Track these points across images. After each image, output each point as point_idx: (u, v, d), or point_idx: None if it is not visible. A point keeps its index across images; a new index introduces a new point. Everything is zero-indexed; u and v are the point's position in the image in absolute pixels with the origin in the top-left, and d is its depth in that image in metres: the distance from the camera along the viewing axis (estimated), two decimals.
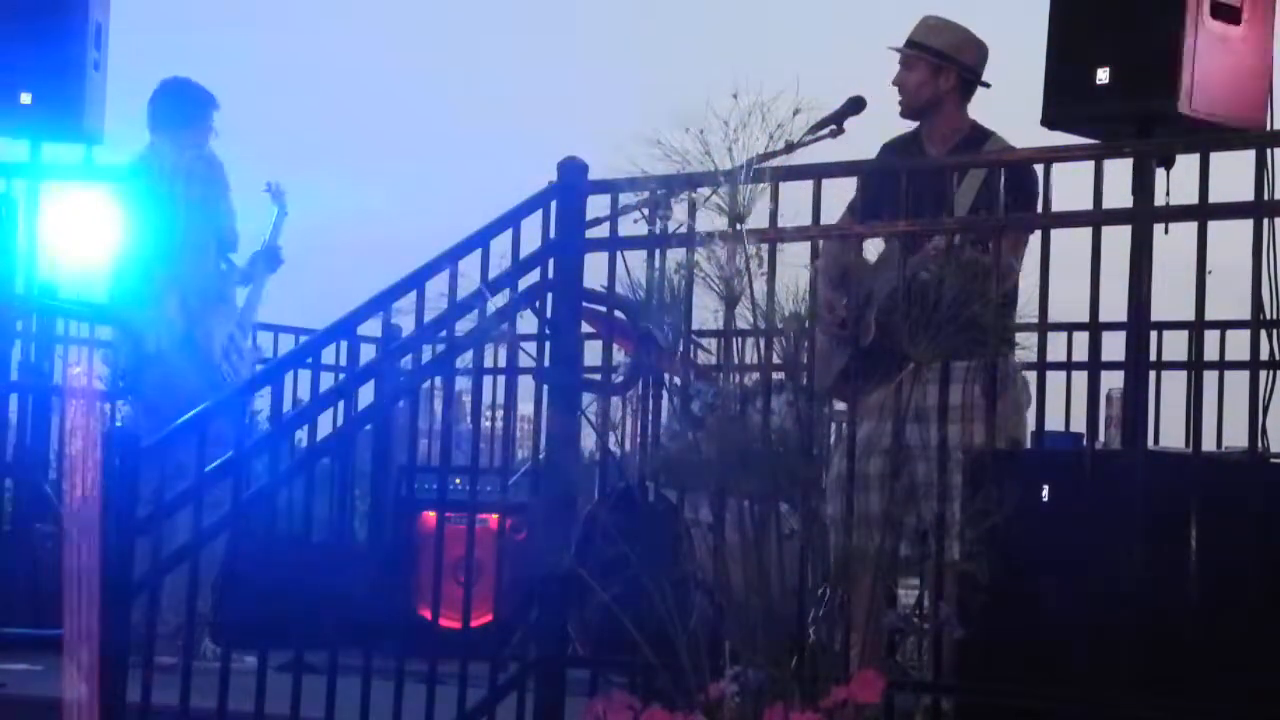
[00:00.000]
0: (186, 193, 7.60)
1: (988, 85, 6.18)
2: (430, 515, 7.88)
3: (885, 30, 6.27)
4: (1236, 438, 7.15)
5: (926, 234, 5.45)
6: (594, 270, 5.66)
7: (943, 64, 6.13)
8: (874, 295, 5.63)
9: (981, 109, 6.26)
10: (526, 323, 5.66)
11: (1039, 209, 5.19)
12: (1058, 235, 5.05)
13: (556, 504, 5.34)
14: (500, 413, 8.60)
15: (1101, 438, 5.54)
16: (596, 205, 5.66)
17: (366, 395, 5.86)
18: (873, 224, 5.45)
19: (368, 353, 5.92)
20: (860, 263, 5.77)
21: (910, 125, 6.27)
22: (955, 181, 5.67)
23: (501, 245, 5.62)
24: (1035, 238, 5.23)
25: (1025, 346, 5.30)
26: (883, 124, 6.33)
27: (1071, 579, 4.81)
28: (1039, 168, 5.12)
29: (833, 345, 5.81)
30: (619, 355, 5.82)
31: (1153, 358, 7.72)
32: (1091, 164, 5.01)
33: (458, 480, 7.01)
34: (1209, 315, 5.01)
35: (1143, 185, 5.34)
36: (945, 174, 5.59)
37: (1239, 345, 7.54)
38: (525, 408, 6.77)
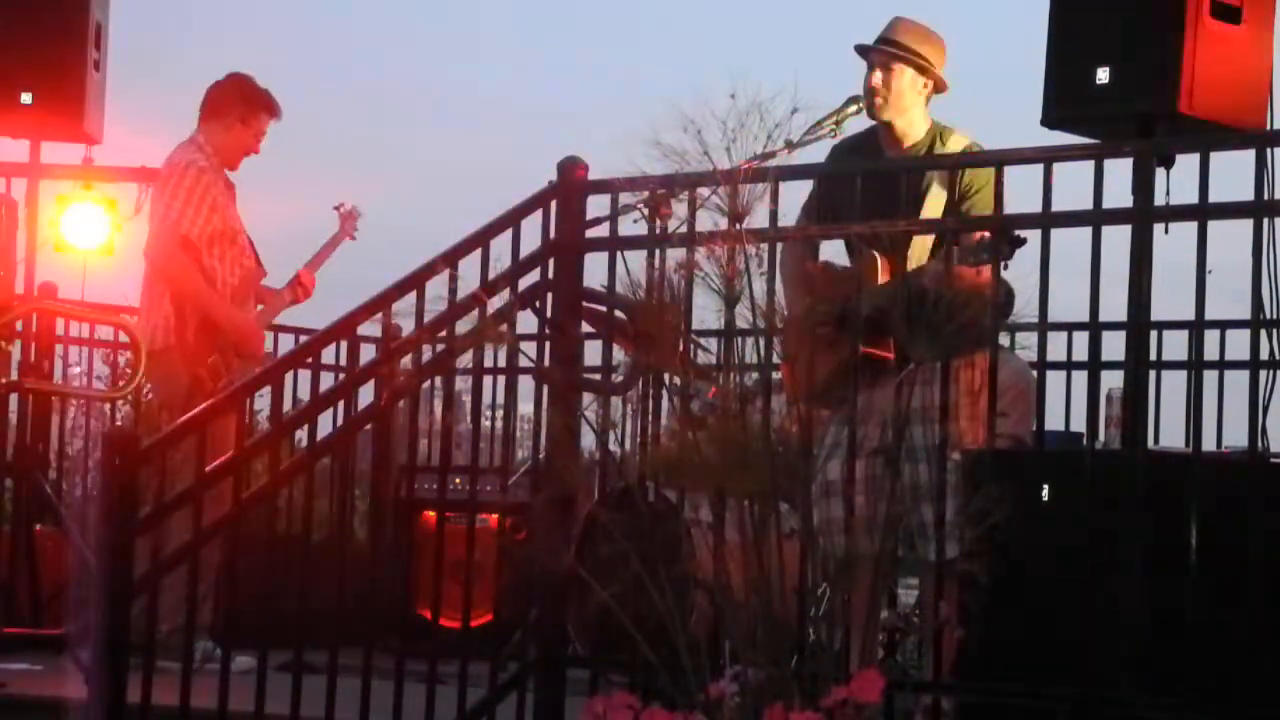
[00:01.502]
0: (173, 189, 7.53)
1: (947, 88, 6.19)
2: (430, 515, 7.88)
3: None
4: (1236, 438, 7.16)
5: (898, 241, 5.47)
6: (594, 270, 5.66)
7: (927, 67, 6.12)
8: (850, 310, 5.59)
9: (983, 109, 6.27)
10: (527, 323, 5.66)
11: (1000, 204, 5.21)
12: (1058, 235, 5.05)
13: (556, 504, 5.33)
14: (500, 413, 8.60)
15: (1101, 438, 5.54)
16: (596, 205, 5.67)
17: (366, 395, 5.86)
18: (874, 224, 5.45)
19: (367, 353, 5.91)
20: (828, 268, 5.77)
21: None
22: (919, 181, 5.70)
23: (501, 245, 5.62)
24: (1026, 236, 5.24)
25: (1025, 346, 5.31)
26: None
27: (1071, 579, 4.81)
28: (1039, 167, 5.13)
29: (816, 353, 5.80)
30: (619, 355, 5.82)
31: (1153, 358, 7.72)
32: (1091, 164, 5.02)
33: (458, 480, 7.01)
34: (1209, 315, 5.01)
35: (1143, 185, 5.33)
36: (920, 174, 5.60)
37: (1239, 345, 7.55)
38: (525, 408, 6.77)
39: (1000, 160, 5.44)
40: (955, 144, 6.10)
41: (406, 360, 5.68)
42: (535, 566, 5.08)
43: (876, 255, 5.71)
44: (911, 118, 6.14)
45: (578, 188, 5.69)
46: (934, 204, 5.89)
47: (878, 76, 6.12)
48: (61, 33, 8.13)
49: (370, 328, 5.92)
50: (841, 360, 5.49)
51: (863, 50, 6.18)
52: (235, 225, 7.58)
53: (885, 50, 6.13)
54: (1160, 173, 5.49)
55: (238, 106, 7.64)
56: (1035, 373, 5.38)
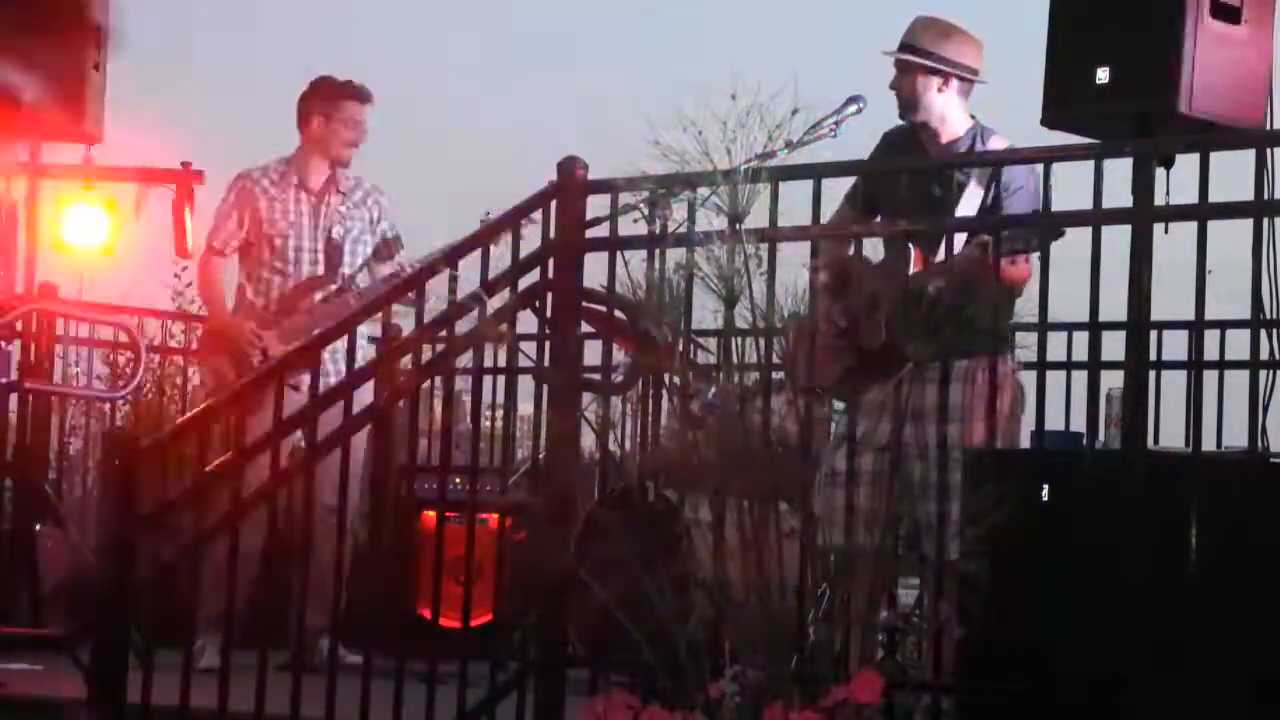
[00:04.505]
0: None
1: (984, 82, 6.18)
2: (430, 515, 7.88)
3: (885, 29, 6.27)
4: (1236, 438, 7.15)
5: (930, 236, 5.46)
6: (594, 270, 5.66)
7: (941, 67, 6.12)
8: (881, 299, 5.61)
9: (982, 109, 6.27)
10: (527, 323, 5.66)
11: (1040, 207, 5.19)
12: None
13: (556, 504, 5.33)
14: (500, 413, 8.59)
15: (1101, 438, 5.54)
16: (596, 205, 5.66)
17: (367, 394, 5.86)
18: (872, 225, 5.45)
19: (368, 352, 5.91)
20: (863, 264, 5.77)
21: None
22: (956, 182, 5.69)
23: (501, 245, 5.61)
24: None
25: (1025, 346, 5.30)
26: (883, 123, 6.34)
27: (1071, 579, 4.81)
28: (1039, 167, 5.13)
29: (835, 344, 5.82)
30: (619, 355, 5.82)
31: (1153, 358, 7.72)
32: (1091, 164, 5.01)
33: (458, 480, 7.00)
34: (1209, 315, 5.01)
35: (1143, 185, 5.33)
36: (946, 174, 5.58)
37: (1239, 345, 7.55)
38: (525, 408, 6.76)
39: (1000, 160, 5.45)
40: (995, 145, 6.11)
41: (406, 360, 5.69)
42: (535, 566, 5.07)
43: (911, 248, 5.71)
44: (942, 116, 6.15)
45: (578, 187, 5.68)
46: (969, 201, 5.89)
47: (896, 79, 6.16)
48: (61, 33, 8.13)
49: (370, 327, 5.91)
50: (857, 354, 5.51)
51: (888, 53, 6.21)
52: (279, 233, 7.72)
53: (897, 54, 6.15)
54: (1160, 173, 5.48)
55: (316, 104, 7.85)
56: (1031, 374, 5.38)
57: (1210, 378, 7.98)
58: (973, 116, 6.19)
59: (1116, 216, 5.14)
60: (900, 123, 6.27)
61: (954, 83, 6.15)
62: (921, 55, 6.12)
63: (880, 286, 5.61)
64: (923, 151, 6.16)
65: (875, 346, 5.53)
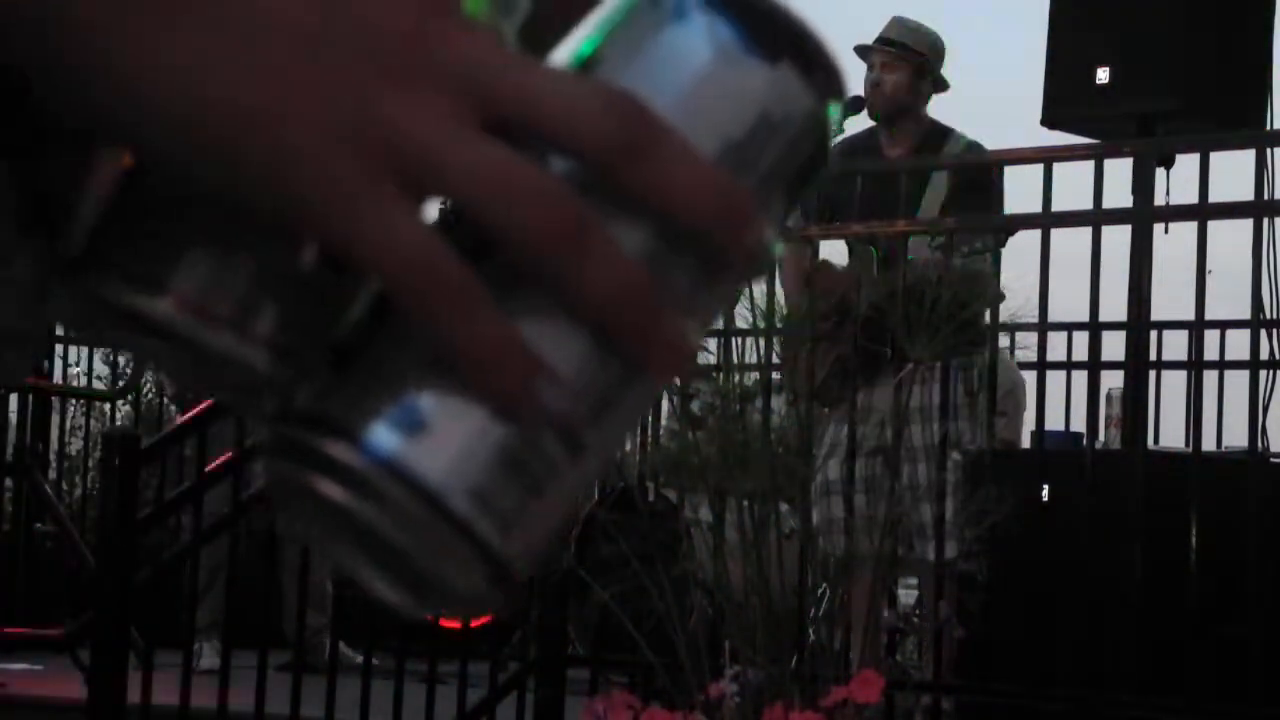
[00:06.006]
0: None
1: (948, 87, 6.19)
2: None
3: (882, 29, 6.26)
4: (1237, 438, 7.16)
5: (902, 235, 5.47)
6: None
7: (926, 65, 6.12)
8: (854, 307, 5.58)
9: (983, 109, 6.29)
10: None
11: (1000, 203, 5.21)
12: (1058, 235, 5.05)
13: None
14: None
15: (1101, 438, 5.54)
16: None
17: None
18: (871, 225, 5.44)
19: None
20: (826, 266, 5.77)
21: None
22: (919, 181, 5.71)
23: None
24: (1026, 236, 5.24)
25: (1025, 346, 5.30)
26: None
27: (1071, 579, 4.81)
28: (1039, 167, 5.12)
29: (816, 351, 5.80)
30: None
31: (1153, 358, 7.73)
32: (1091, 164, 5.02)
33: None
34: (1209, 315, 5.01)
35: (1143, 185, 5.33)
36: (915, 174, 5.62)
37: (1239, 345, 7.55)
38: None
39: (1000, 160, 5.44)
40: (954, 143, 6.09)
41: None
42: (535, 566, 5.07)
43: (874, 252, 5.70)
44: (911, 117, 6.13)
45: None
46: (932, 200, 5.89)
47: (878, 77, 6.10)
48: None
49: None
50: (838, 359, 5.49)
51: (862, 51, 6.17)
52: None
53: (886, 50, 6.12)
54: (1160, 173, 5.49)
55: None
56: (1031, 374, 5.38)
57: (1210, 378, 7.98)
58: (931, 117, 6.18)
59: (1116, 216, 5.14)
60: (847, 136, 6.23)
61: (930, 86, 6.15)
62: (913, 55, 6.11)
63: (849, 291, 5.57)
64: (881, 157, 6.14)
65: (844, 353, 5.51)
